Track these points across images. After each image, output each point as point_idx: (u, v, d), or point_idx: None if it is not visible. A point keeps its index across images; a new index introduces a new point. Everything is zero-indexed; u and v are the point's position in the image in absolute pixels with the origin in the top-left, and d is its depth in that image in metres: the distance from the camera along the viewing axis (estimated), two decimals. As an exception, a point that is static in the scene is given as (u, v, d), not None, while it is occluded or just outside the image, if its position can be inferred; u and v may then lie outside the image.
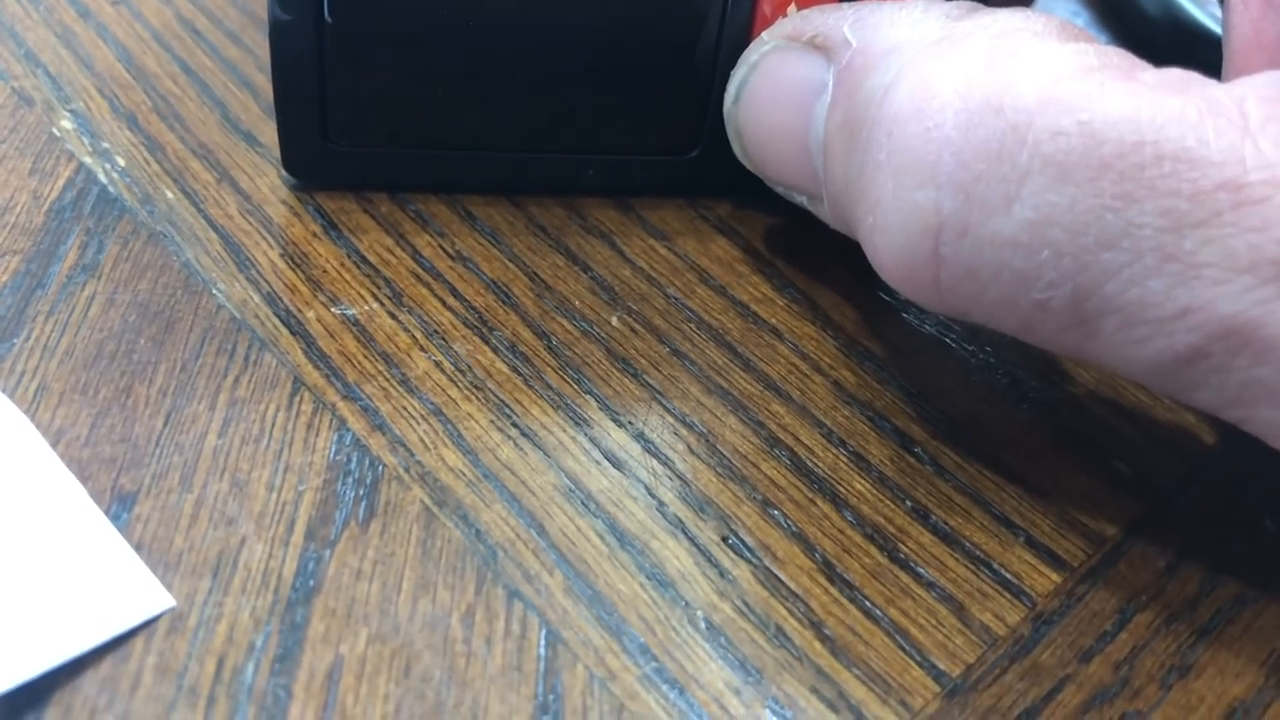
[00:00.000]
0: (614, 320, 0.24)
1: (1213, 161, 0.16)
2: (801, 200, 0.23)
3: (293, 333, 0.23)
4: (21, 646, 0.17)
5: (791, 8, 0.24)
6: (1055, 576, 0.21)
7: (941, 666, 0.19)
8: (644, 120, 0.26)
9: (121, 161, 0.26)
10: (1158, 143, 0.16)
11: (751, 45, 0.23)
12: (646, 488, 0.21)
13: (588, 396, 0.23)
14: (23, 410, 0.21)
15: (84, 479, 0.20)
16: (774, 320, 0.25)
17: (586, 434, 0.22)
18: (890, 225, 0.19)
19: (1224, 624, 0.20)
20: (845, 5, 0.22)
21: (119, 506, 0.20)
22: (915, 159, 0.18)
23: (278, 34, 0.23)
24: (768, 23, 0.24)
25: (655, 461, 0.22)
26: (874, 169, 0.19)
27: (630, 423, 0.22)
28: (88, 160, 0.26)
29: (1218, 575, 0.21)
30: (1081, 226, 0.17)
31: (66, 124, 0.27)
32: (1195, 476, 0.23)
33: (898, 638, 0.20)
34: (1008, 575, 0.21)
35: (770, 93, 0.22)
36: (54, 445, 0.20)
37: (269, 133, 0.27)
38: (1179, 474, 0.23)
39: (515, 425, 0.22)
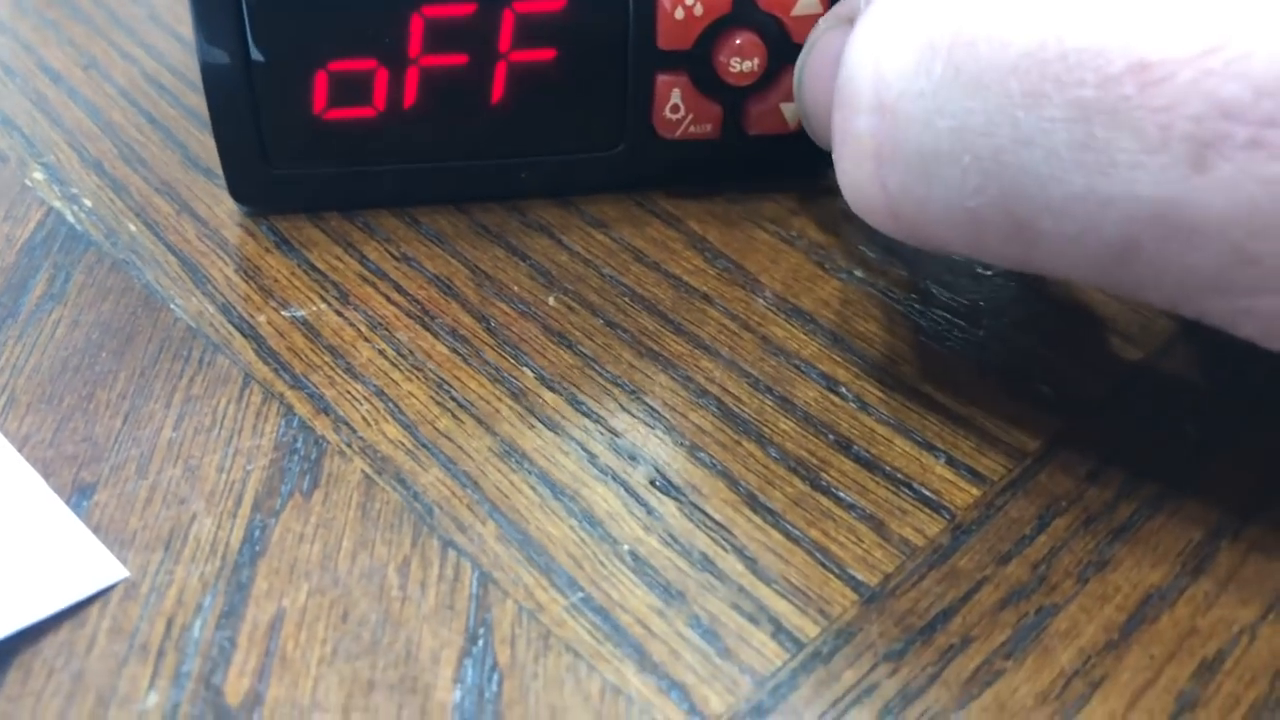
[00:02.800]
0: (551, 300, 0.25)
1: (1116, 46, 0.16)
2: None
3: (245, 335, 0.24)
4: (-16, 618, 0.18)
5: None
6: (975, 491, 0.21)
7: (860, 577, 0.20)
8: (569, 121, 0.27)
9: (89, 203, 0.28)
10: (1061, 37, 0.17)
11: (813, 28, 0.24)
12: (579, 443, 0.22)
13: (524, 369, 0.24)
14: (-8, 421, 0.22)
15: (47, 475, 0.21)
16: (705, 288, 0.26)
17: (522, 402, 0.23)
18: (842, 155, 0.20)
19: (1142, 521, 0.21)
20: None
21: (79, 496, 0.21)
22: (854, 89, 0.19)
23: (208, 74, 0.25)
24: (670, 17, 0.25)
25: (587, 420, 0.23)
26: (835, 108, 0.20)
27: (564, 388, 0.23)
28: (57, 204, 0.28)
29: (1139, 479, 0.22)
30: (994, 128, 0.17)
31: (38, 175, 0.29)
32: (1119, 392, 0.23)
33: (818, 555, 0.20)
34: (928, 493, 0.21)
35: (821, 70, 0.23)
36: (20, 449, 0.22)
37: (226, 166, 0.29)
38: (1102, 391, 0.23)
39: (453, 399, 0.23)
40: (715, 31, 0.26)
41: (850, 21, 0.22)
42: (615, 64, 0.26)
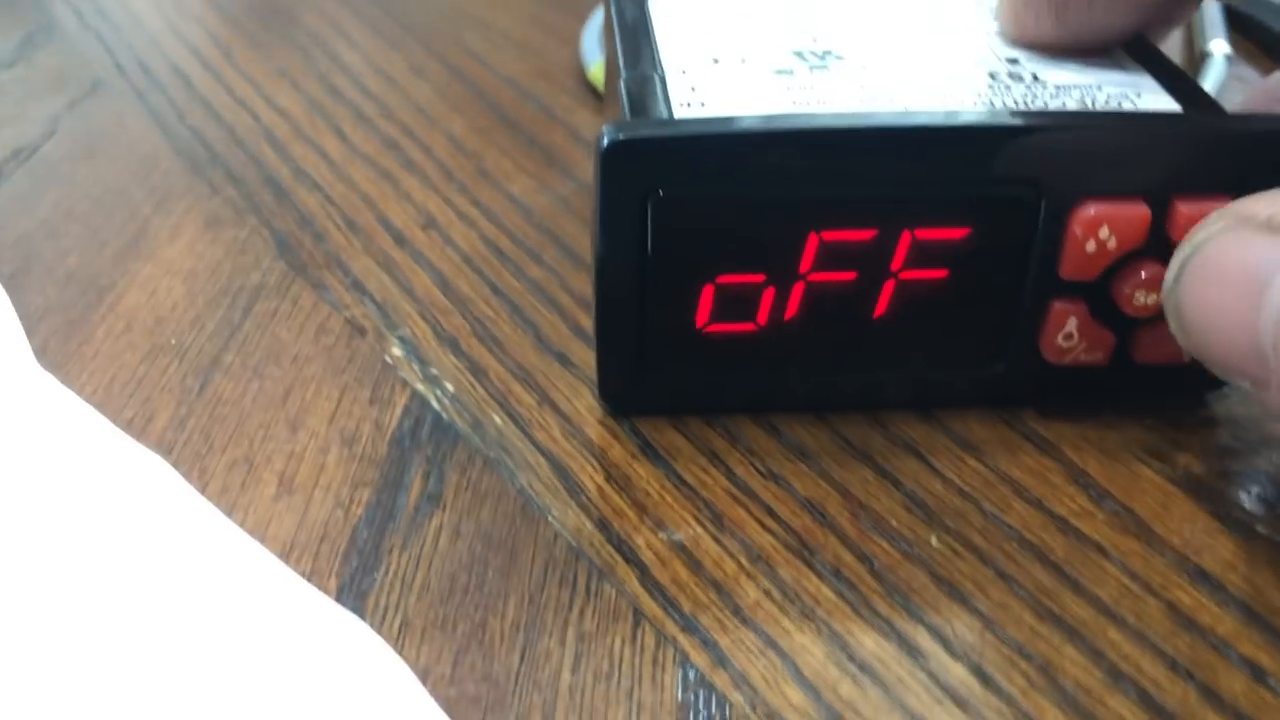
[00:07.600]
0: (933, 540, 0.24)
1: None
2: (1245, 385, 0.21)
3: (627, 561, 0.24)
4: None
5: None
6: None
7: None
8: (948, 336, 0.26)
9: (450, 387, 0.28)
10: None
11: (1199, 224, 0.21)
12: (993, 727, 0.21)
13: (920, 626, 0.23)
14: (390, 646, 0.22)
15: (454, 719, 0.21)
16: (1096, 536, 0.24)
17: (924, 668, 0.22)
18: None
19: None
20: None
21: (489, 748, 0.20)
22: None
23: (604, 275, 0.25)
24: (1079, 248, 0.24)
25: (998, 699, 0.21)
26: None
27: (966, 655, 0.22)
28: (420, 387, 0.28)
29: None
30: None
31: (397, 351, 0.29)
32: None
33: None
34: (1394, 830, 0.20)
35: (1215, 275, 0.21)
36: (423, 683, 0.21)
37: (579, 352, 0.28)
38: None
39: (851, 659, 0.22)
40: (1122, 263, 0.25)
41: (1257, 225, 0.20)
42: (1009, 288, 0.25)
